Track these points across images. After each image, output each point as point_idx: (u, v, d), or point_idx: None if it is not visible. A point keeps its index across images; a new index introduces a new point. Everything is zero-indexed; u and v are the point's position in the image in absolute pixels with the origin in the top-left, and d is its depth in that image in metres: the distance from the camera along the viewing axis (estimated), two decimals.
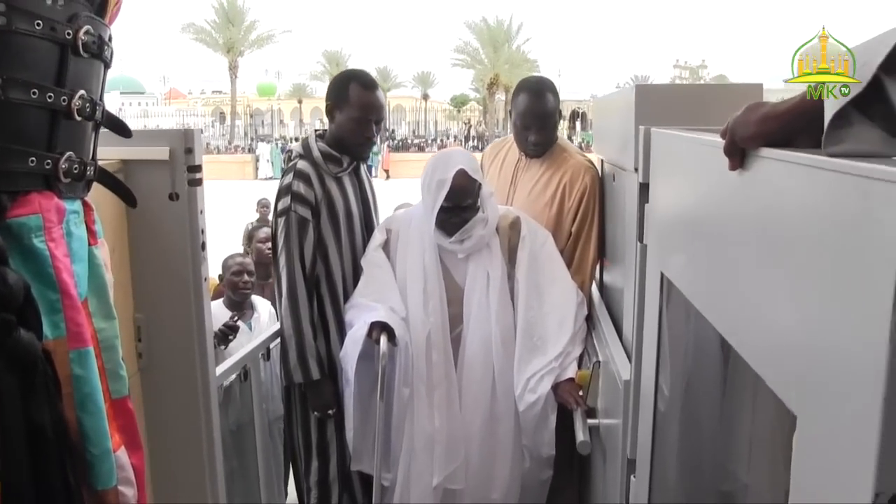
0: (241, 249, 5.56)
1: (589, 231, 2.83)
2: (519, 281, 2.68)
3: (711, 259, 1.16)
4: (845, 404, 0.68)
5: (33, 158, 1.11)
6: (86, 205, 1.27)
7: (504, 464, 2.69)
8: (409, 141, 38.81)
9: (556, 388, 2.55)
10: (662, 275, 1.52)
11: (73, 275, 1.16)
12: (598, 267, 2.90)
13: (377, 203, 3.10)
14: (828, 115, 0.78)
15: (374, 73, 3.48)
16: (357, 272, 2.83)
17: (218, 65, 52.39)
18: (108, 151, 1.86)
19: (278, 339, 2.90)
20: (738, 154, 0.99)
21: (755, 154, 0.95)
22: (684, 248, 1.37)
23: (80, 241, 1.21)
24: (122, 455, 1.28)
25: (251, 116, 47.27)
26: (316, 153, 2.79)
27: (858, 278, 0.66)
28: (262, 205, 8.32)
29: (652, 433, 1.65)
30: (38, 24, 1.08)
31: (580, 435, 2.31)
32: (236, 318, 3.75)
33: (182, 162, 1.90)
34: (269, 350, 3.01)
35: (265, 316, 4.17)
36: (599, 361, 2.34)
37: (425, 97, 53.45)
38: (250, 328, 4.01)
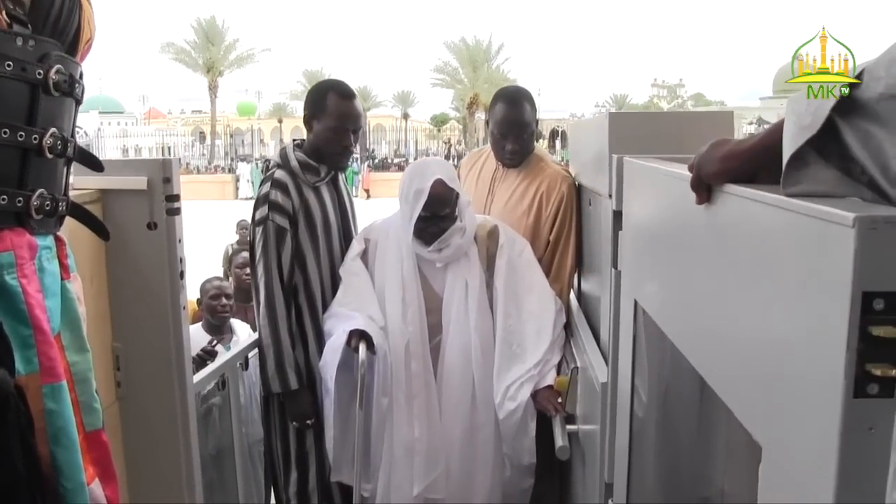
0: (220, 271, 5.54)
1: (567, 239, 2.84)
2: (497, 289, 2.68)
3: (682, 290, 1.19)
4: (806, 434, 0.70)
5: (4, 196, 1.12)
6: (58, 240, 1.28)
7: (485, 472, 2.69)
8: (390, 160, 38.82)
9: (535, 395, 2.55)
10: (636, 302, 1.55)
11: (45, 310, 1.17)
12: (575, 274, 2.92)
13: (355, 213, 3.09)
14: (785, 156, 0.80)
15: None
16: (335, 282, 2.82)
17: (198, 84, 52.16)
18: (86, 181, 1.88)
19: (256, 350, 2.89)
20: (705, 189, 1.02)
21: (720, 189, 0.97)
22: (656, 276, 1.40)
23: (52, 277, 1.23)
24: (97, 488, 1.28)
25: (231, 136, 47.08)
26: (294, 163, 2.79)
27: (817, 314, 0.69)
28: (242, 226, 8.28)
29: (629, 438, 1.67)
30: (9, 66, 1.10)
31: (559, 440, 2.32)
32: (214, 342, 3.74)
33: (160, 191, 1.90)
34: (247, 359, 3.00)
35: (245, 339, 4.15)
36: (578, 367, 2.35)
37: (405, 116, 53.60)
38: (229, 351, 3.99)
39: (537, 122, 2.98)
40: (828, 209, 0.66)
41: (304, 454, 2.83)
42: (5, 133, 1.11)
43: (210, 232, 12.90)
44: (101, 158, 1.55)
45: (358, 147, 3.11)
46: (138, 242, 1.91)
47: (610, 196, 1.88)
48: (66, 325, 1.26)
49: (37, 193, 1.17)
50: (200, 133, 51.49)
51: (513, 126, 2.87)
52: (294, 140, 2.95)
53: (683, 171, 1.10)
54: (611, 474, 1.86)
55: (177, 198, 1.92)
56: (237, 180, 33.20)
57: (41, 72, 1.15)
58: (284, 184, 2.74)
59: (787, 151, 0.80)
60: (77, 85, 1.24)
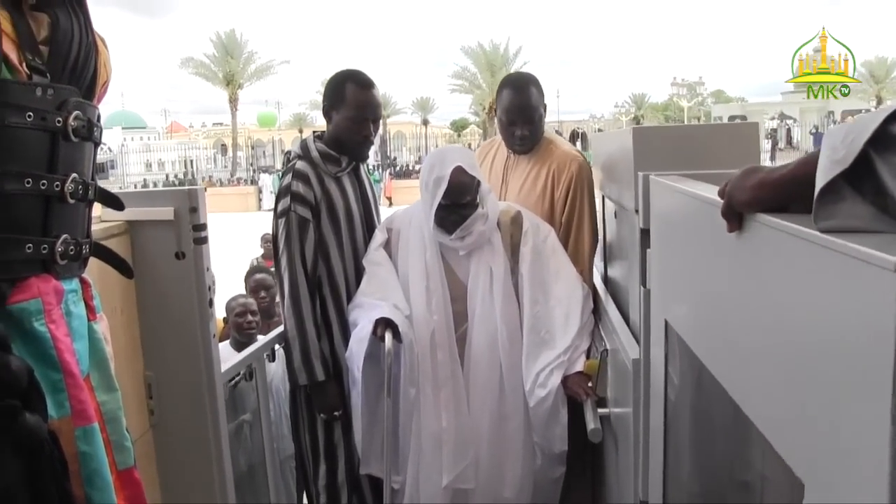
0: (244, 286, 5.56)
1: (580, 218, 2.82)
2: (523, 276, 2.67)
3: (713, 316, 1.17)
4: (851, 475, 0.69)
5: (30, 245, 1.14)
6: (83, 282, 1.30)
7: (515, 462, 2.67)
8: (411, 167, 38.93)
9: (564, 381, 2.54)
10: (667, 322, 1.53)
11: (74, 353, 1.19)
12: (598, 258, 2.90)
13: (378, 203, 3.08)
14: (817, 189, 0.79)
15: None
16: (359, 272, 2.82)
17: (218, 97, 52.52)
18: (114, 213, 1.89)
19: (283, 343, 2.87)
20: (736, 217, 1.01)
21: (752, 218, 0.96)
22: (687, 300, 1.38)
23: (79, 319, 1.24)
24: None
25: (252, 147, 47.38)
26: (314, 153, 2.78)
27: (856, 356, 0.67)
28: (266, 240, 8.32)
29: (664, 419, 1.63)
30: (30, 116, 1.12)
31: (591, 423, 2.30)
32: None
33: (187, 221, 1.93)
34: (273, 351, 2.99)
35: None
36: (607, 349, 2.33)
37: (425, 122, 53.77)
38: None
39: (545, 106, 2.95)
40: (867, 251, 0.65)
41: (333, 447, 2.83)
42: (28, 182, 1.12)
43: (234, 245, 12.97)
44: (126, 187, 1.59)
45: (379, 155, 3.13)
46: (167, 272, 1.94)
47: (636, 211, 1.87)
48: (94, 365, 1.28)
49: (61, 239, 1.19)
50: (222, 145, 51.89)
51: (521, 111, 2.85)
52: (314, 132, 2.95)
53: (713, 196, 1.09)
54: (645, 457, 1.83)
55: (203, 227, 1.95)
56: (259, 192, 33.33)
57: (60, 119, 1.17)
58: (306, 174, 2.73)
59: (820, 184, 0.79)
60: (95, 128, 1.26)
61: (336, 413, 2.76)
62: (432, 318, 2.65)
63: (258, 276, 5.12)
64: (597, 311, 2.69)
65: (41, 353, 1.14)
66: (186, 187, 2.01)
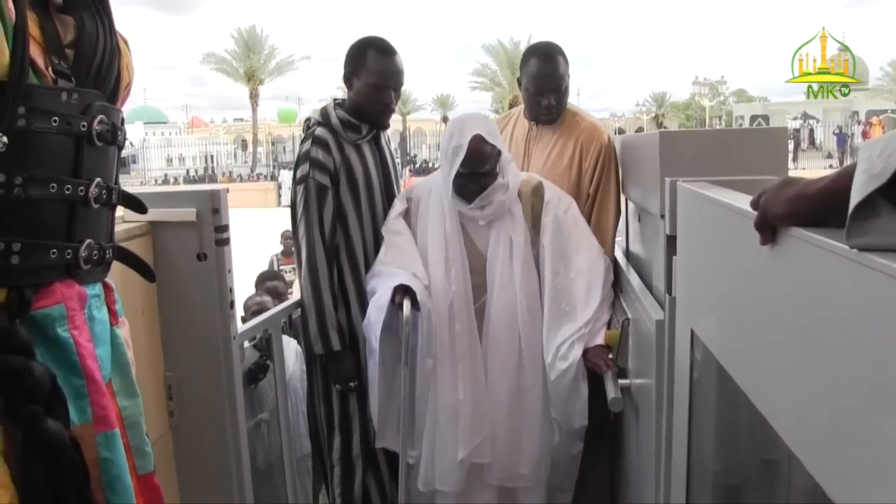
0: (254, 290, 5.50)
1: (606, 190, 2.80)
2: (544, 247, 2.64)
3: (744, 330, 1.15)
4: (888, 497, 0.67)
5: (54, 250, 1.14)
6: (106, 286, 1.30)
7: (532, 437, 2.64)
8: (431, 164, 38.92)
9: (584, 353, 2.51)
10: (693, 332, 1.51)
11: (96, 359, 1.19)
12: (619, 229, 2.88)
13: (398, 173, 3.04)
14: (852, 204, 0.77)
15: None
16: (378, 242, 2.79)
17: (239, 93, 52.76)
18: (136, 215, 1.90)
19: (299, 311, 2.85)
20: (770, 230, 0.99)
21: (786, 232, 0.94)
22: (715, 311, 1.36)
23: (102, 325, 1.25)
24: None
25: (273, 143, 47.60)
26: (334, 120, 2.75)
27: (893, 372, 0.66)
28: (286, 236, 8.29)
29: (689, 391, 1.59)
30: (55, 121, 1.11)
31: (611, 392, 2.27)
32: (265, 358, 3.77)
33: (209, 222, 1.93)
34: (290, 319, 2.98)
35: (291, 354, 4.18)
36: (629, 319, 2.30)
37: (445, 120, 53.69)
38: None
39: (570, 77, 2.89)
40: None
41: (348, 419, 2.81)
42: (53, 188, 1.12)
43: (253, 242, 13.02)
44: (147, 182, 1.59)
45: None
46: (188, 273, 1.94)
47: (662, 216, 1.85)
48: (116, 371, 1.28)
49: (85, 244, 1.19)
50: (242, 141, 52.10)
51: (548, 80, 2.80)
52: (335, 99, 2.91)
53: (745, 206, 1.07)
54: (668, 430, 1.79)
55: (226, 228, 1.94)
56: (279, 187, 33.46)
57: (85, 124, 1.16)
58: (325, 141, 2.71)
59: (855, 199, 0.77)
60: (119, 132, 1.26)
61: (352, 384, 2.74)
62: (451, 288, 2.63)
63: (270, 283, 5.06)
64: (617, 283, 2.67)
65: (64, 359, 1.14)
66: (208, 187, 2.02)
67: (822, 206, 0.89)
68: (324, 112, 2.81)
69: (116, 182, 1.29)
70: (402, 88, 2.95)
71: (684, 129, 2.35)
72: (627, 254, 2.85)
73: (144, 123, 52.14)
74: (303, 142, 2.79)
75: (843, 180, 0.86)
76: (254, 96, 45.84)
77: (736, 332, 1.20)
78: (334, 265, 2.74)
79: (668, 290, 1.78)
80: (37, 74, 1.11)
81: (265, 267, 8.05)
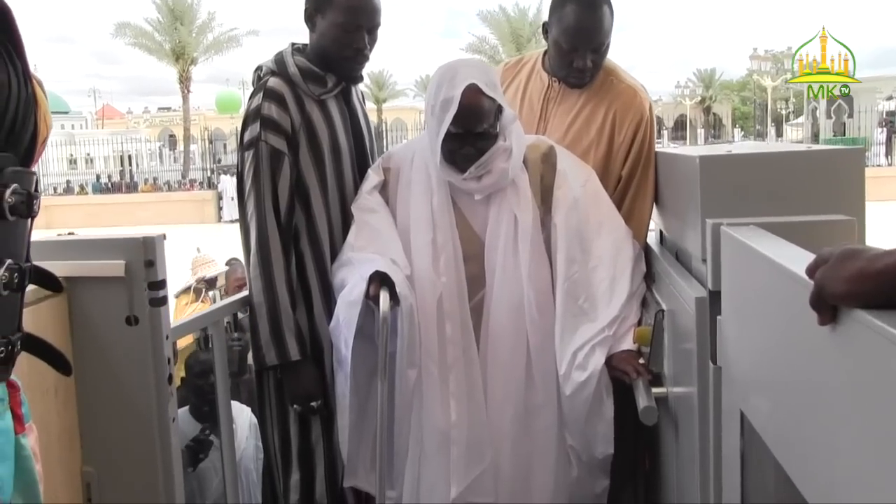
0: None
1: (645, 172, 2.80)
2: (557, 228, 2.61)
3: (799, 421, 1.21)
4: None
5: None
6: (11, 386, 1.34)
7: (545, 469, 2.61)
8: None
9: (608, 361, 2.47)
10: (742, 414, 1.58)
11: None
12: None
13: (374, 137, 3.03)
14: None
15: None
16: (347, 223, 2.76)
17: (164, 74, 52.52)
18: (50, 266, 1.94)
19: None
20: (829, 310, 1.04)
21: (848, 313, 1.00)
22: (769, 393, 1.41)
23: (5, 436, 1.29)
24: None
25: (210, 141, 47.10)
26: (292, 69, 2.71)
27: None
28: (230, 264, 7.94)
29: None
30: None
31: (643, 402, 2.26)
32: (208, 431, 3.76)
33: (142, 278, 1.97)
34: (236, 319, 2.97)
35: (244, 425, 4.18)
36: (663, 311, 2.31)
37: None
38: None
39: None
40: None
41: (309, 449, 2.79)
42: None
43: (185, 271, 12.93)
44: (45, 190, 1.61)
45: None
46: (115, 342, 1.98)
47: (704, 261, 1.91)
48: (19, 490, 1.32)
49: None
50: (170, 136, 52.11)
51: (587, 36, 2.72)
52: (294, 44, 2.86)
53: (800, 271, 1.12)
54: (717, 446, 1.81)
55: (162, 284, 1.98)
56: (219, 198, 32.93)
57: None
58: (280, 94, 2.67)
59: None
60: (35, 202, 1.30)
61: (314, 404, 2.69)
62: (440, 280, 2.59)
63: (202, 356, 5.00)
64: (649, 274, 2.66)
65: None
66: (141, 236, 2.02)
67: (891, 286, 0.94)
68: (279, 58, 2.77)
69: (28, 258, 1.33)
70: (378, 70, 2.93)
71: (729, 154, 2.37)
72: (661, 238, 2.87)
73: None
74: (252, 95, 2.75)
75: None
76: (184, 80, 45.37)
77: (790, 422, 1.26)
78: (292, 252, 2.72)
79: (713, 357, 1.84)
80: None
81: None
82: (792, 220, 1.76)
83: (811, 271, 1.07)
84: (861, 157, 2.08)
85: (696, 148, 2.62)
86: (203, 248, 7.33)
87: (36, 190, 1.32)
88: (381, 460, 2.48)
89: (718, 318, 1.78)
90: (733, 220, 1.74)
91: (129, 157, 46.56)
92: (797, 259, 1.22)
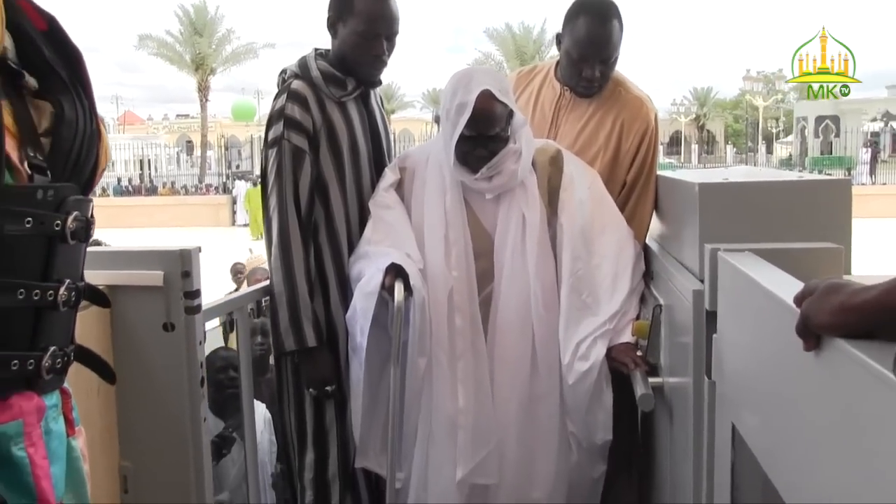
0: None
1: (647, 179, 2.85)
2: (563, 227, 2.66)
3: (785, 438, 1.27)
4: None
5: (16, 362, 1.24)
6: (64, 393, 1.40)
7: (547, 453, 2.65)
8: None
9: (608, 352, 2.53)
10: (734, 427, 1.63)
11: (51, 478, 1.29)
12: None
13: (390, 138, 3.09)
14: None
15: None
16: (364, 218, 2.80)
17: (183, 83, 52.61)
18: (93, 276, 2.00)
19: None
20: (813, 337, 1.10)
21: (830, 341, 1.06)
22: (758, 409, 1.47)
23: (59, 438, 1.35)
24: None
25: (226, 147, 47.03)
26: (315, 73, 2.76)
27: None
28: (237, 270, 7.90)
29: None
30: (29, 222, 1.22)
31: (640, 389, 2.31)
32: (231, 429, 3.81)
33: (178, 287, 2.02)
34: (259, 305, 2.99)
35: (259, 420, 4.22)
36: (661, 305, 2.36)
37: (437, 120, 53.70)
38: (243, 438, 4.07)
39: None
40: None
41: (323, 431, 2.82)
42: (21, 294, 1.23)
43: (206, 271, 12.92)
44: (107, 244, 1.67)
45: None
46: (152, 346, 2.03)
47: (701, 280, 1.96)
48: (70, 488, 1.38)
49: (49, 352, 1.29)
50: (188, 142, 51.95)
51: (597, 48, 2.77)
52: (316, 49, 2.90)
53: (788, 299, 1.18)
54: (710, 433, 1.84)
55: (197, 294, 2.03)
56: (234, 202, 32.88)
57: (59, 222, 1.27)
58: (303, 97, 2.72)
59: None
60: (91, 227, 1.36)
61: (328, 388, 2.74)
62: (451, 274, 2.63)
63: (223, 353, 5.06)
64: (647, 272, 2.73)
65: (17, 480, 1.24)
66: (178, 248, 2.08)
67: (871, 320, 0.98)
68: (302, 63, 2.82)
69: (82, 278, 1.39)
70: (387, 83, 3.00)
71: (727, 182, 2.42)
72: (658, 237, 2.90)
73: None
74: (277, 97, 2.80)
75: (894, 293, 0.96)
76: (203, 88, 45.39)
77: (776, 436, 1.32)
78: (311, 245, 2.76)
79: (707, 372, 1.89)
80: (11, 171, 1.21)
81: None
82: (784, 247, 1.81)
83: (798, 301, 1.12)
84: (848, 188, 2.13)
85: (694, 173, 2.63)
86: (218, 250, 7.34)
87: (91, 216, 1.38)
88: (392, 443, 2.51)
89: (714, 335, 1.82)
90: (730, 246, 1.79)
91: (149, 161, 46.58)
92: (787, 287, 1.28)
